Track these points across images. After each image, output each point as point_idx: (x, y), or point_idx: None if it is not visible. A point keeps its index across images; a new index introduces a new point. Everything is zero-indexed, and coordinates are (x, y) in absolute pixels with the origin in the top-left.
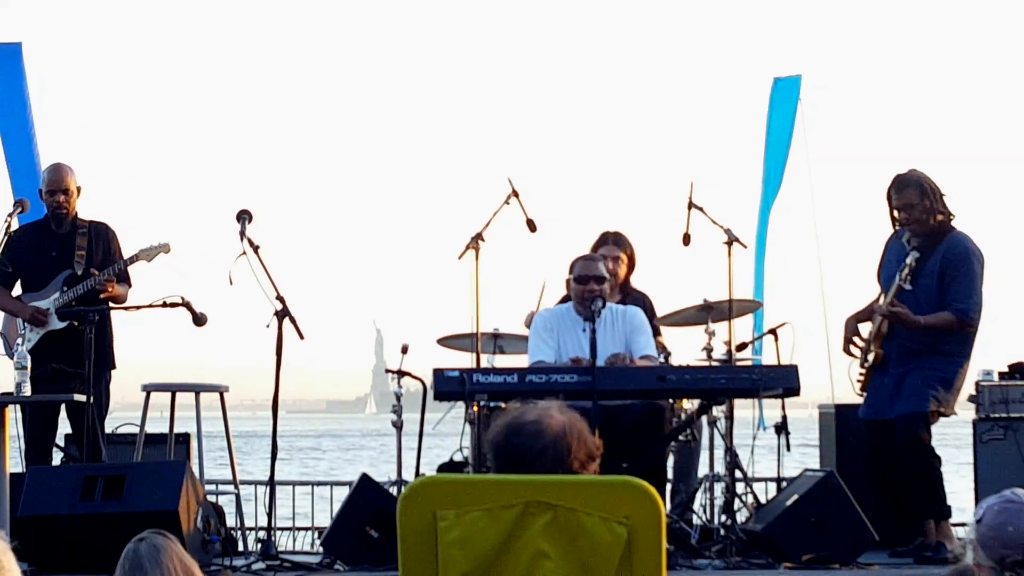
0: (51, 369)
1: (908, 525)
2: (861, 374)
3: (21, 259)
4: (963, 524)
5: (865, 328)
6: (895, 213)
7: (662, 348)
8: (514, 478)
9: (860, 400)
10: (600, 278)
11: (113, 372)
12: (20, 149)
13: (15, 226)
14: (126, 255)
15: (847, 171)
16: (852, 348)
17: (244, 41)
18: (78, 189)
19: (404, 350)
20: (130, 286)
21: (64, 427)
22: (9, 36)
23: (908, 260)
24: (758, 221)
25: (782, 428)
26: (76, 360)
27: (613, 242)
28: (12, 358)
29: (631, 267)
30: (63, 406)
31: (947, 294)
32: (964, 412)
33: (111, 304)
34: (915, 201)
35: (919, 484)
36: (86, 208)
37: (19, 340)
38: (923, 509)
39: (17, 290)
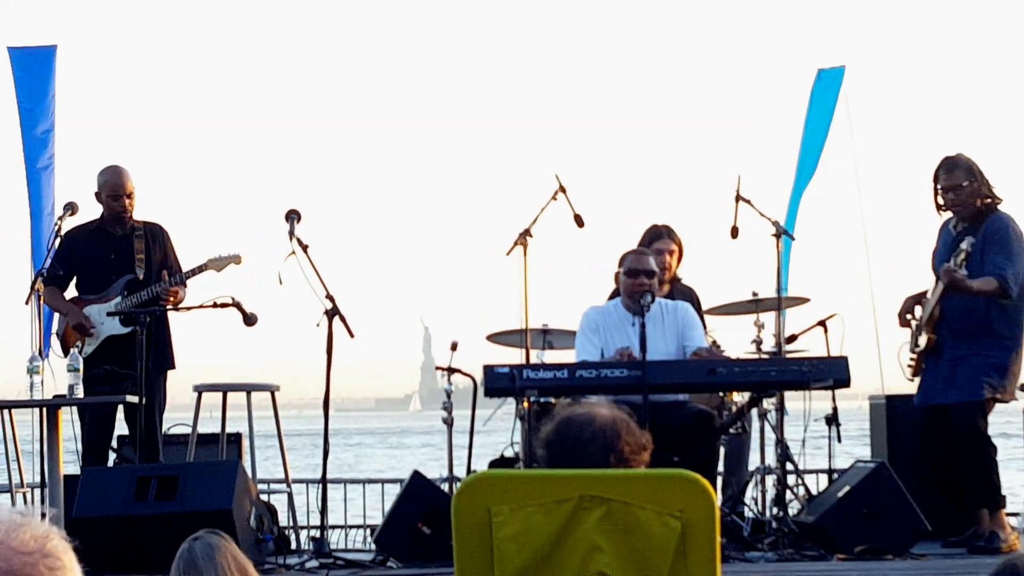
0: (104, 371)
1: (961, 515)
2: (912, 359)
3: (78, 261)
4: (1016, 514)
5: (918, 313)
6: (941, 195)
7: (712, 343)
8: (567, 473)
9: (911, 390)
10: (651, 272)
11: (171, 372)
12: (42, 156)
13: (66, 228)
14: (195, 263)
15: (894, 162)
16: (907, 323)
17: (289, 38)
18: (135, 192)
19: (453, 347)
20: (186, 288)
21: (121, 428)
22: (41, 39)
23: (964, 246)
24: (787, 210)
25: (833, 420)
26: (134, 363)
27: (667, 235)
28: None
29: (679, 259)
30: (120, 408)
31: (986, 264)
32: (1017, 402)
33: (164, 305)
34: (963, 183)
35: (974, 472)
36: (138, 210)
37: (78, 344)
38: (977, 498)
39: (72, 291)
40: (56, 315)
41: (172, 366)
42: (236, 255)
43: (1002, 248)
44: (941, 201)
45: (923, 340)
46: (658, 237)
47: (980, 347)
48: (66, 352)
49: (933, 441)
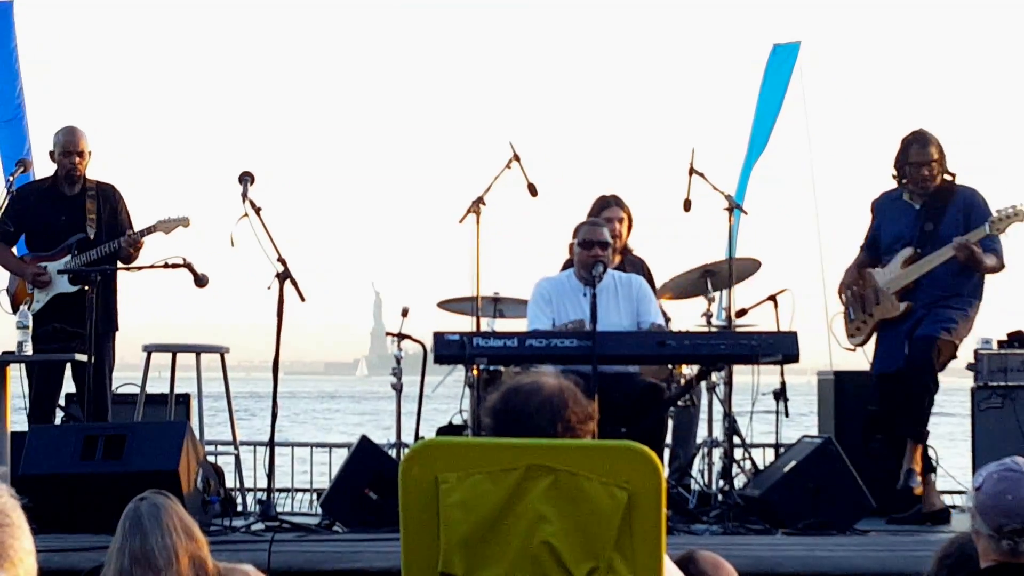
0: (53, 328)
1: (906, 493)
2: (858, 327)
3: (28, 219)
4: (961, 492)
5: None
6: (911, 169)
7: (662, 313)
8: (515, 442)
9: (859, 365)
10: (604, 244)
11: (116, 334)
12: (6, 109)
13: (15, 185)
14: (144, 224)
15: (846, 138)
16: (849, 296)
17: None
18: (89, 153)
19: (404, 313)
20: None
21: (69, 386)
22: None
23: (986, 228)
24: (737, 184)
25: (781, 394)
26: (83, 321)
27: (615, 203)
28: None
29: (629, 228)
30: (68, 366)
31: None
32: (962, 380)
33: (116, 264)
34: (935, 158)
35: (909, 399)
36: (93, 170)
37: (26, 301)
38: (905, 426)
39: (22, 249)
40: (6, 272)
41: (116, 327)
42: (184, 218)
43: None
44: (909, 175)
45: (893, 308)
46: (606, 206)
47: (946, 303)
48: (15, 309)
49: (887, 412)
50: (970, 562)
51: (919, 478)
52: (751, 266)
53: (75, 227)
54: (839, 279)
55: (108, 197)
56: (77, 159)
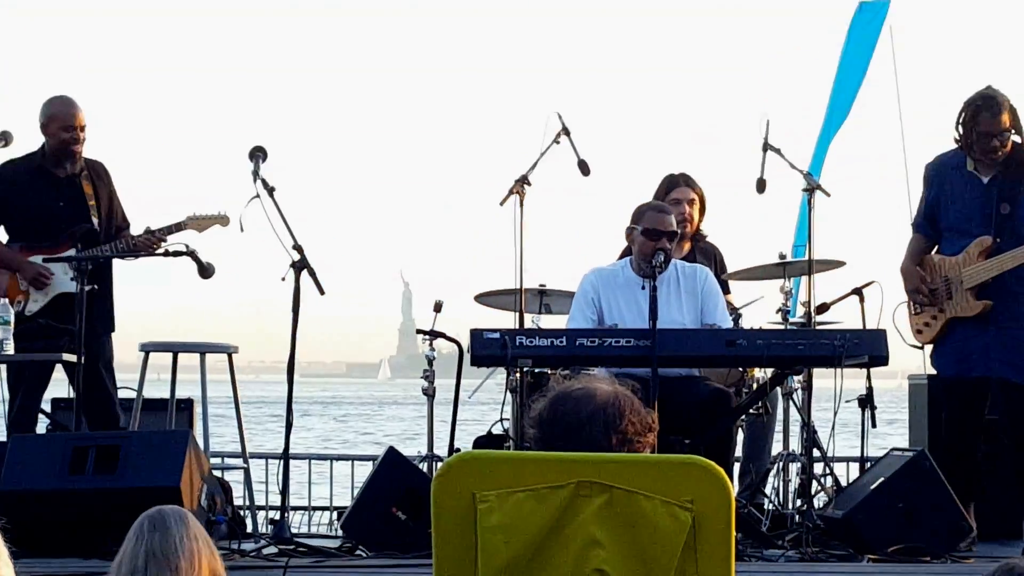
0: (38, 324)
1: (1012, 512)
2: (926, 323)
3: (18, 204)
4: None
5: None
6: (983, 139)
7: (732, 308)
8: (564, 456)
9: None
10: (673, 234)
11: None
12: None
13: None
14: (172, 219)
15: (944, 110)
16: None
17: None
18: (85, 126)
19: (437, 308)
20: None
21: (60, 390)
22: None
23: None
24: (812, 156)
25: (867, 401)
26: (87, 325)
27: (685, 183)
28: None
29: (702, 212)
30: (61, 368)
31: None
32: None
33: (114, 252)
34: (1007, 126)
35: None
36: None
37: (18, 300)
38: None
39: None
40: None
41: (113, 327)
42: (223, 215)
43: None
44: (977, 144)
45: (968, 307)
46: (675, 186)
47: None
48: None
49: (972, 419)
50: None
51: None
52: (832, 264)
53: (77, 215)
54: (900, 277)
55: (102, 176)
56: (80, 134)
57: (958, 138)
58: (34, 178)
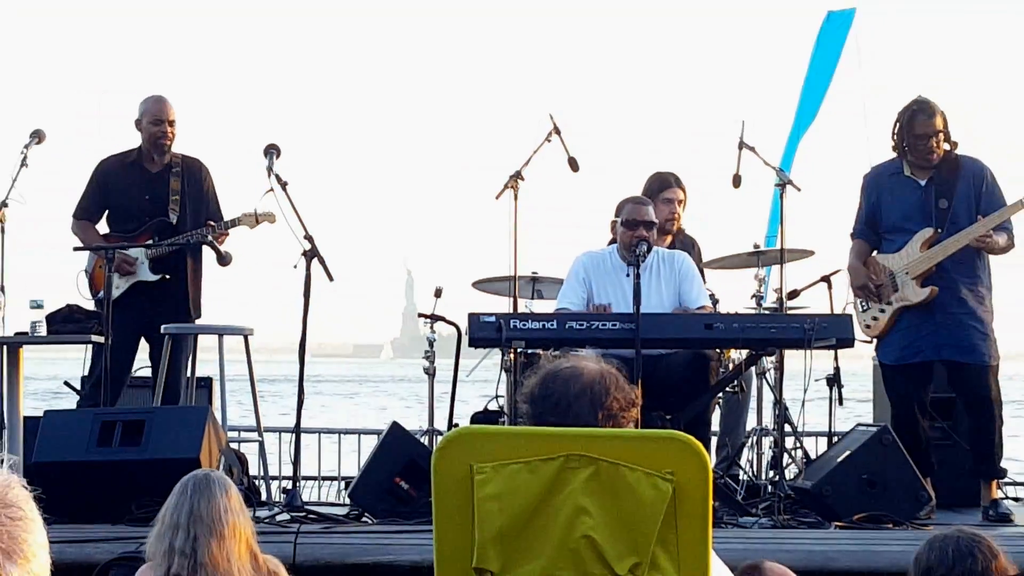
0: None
1: (966, 481)
2: (875, 318)
3: (111, 196)
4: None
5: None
6: (918, 141)
7: (710, 295)
8: (554, 431)
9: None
10: (650, 224)
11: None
12: None
13: (31, 157)
14: (230, 216)
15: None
16: (868, 291)
17: None
18: (175, 121)
19: (438, 293)
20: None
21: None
22: None
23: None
24: (782, 154)
25: (834, 381)
26: (159, 310)
27: (675, 183)
28: (95, 302)
29: (683, 209)
30: (140, 344)
31: (981, 211)
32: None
33: (174, 244)
34: (941, 128)
35: (982, 438)
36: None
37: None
38: (985, 466)
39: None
40: (87, 253)
41: (190, 315)
42: (271, 213)
43: (999, 200)
44: (912, 147)
45: (915, 294)
46: (667, 186)
47: (970, 305)
48: (94, 293)
49: (919, 401)
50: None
51: (1006, 502)
52: (803, 254)
53: (158, 209)
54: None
55: (194, 173)
56: (168, 128)
57: (895, 144)
58: (128, 172)
